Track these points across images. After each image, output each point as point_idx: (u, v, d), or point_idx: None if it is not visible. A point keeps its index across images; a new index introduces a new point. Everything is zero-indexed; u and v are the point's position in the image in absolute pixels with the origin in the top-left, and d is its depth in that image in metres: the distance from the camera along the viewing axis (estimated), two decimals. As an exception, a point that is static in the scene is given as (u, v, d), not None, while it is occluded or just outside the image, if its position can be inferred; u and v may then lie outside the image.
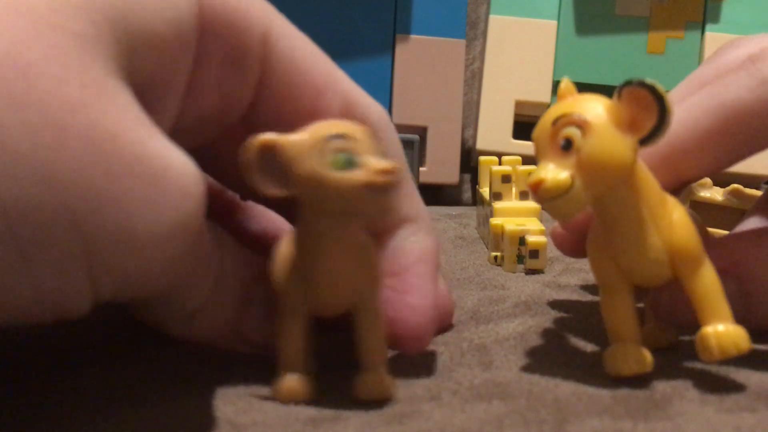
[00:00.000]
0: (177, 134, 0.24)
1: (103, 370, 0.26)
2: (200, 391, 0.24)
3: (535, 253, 0.41)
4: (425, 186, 0.62)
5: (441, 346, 0.29)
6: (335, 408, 0.24)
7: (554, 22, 0.65)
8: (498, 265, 0.43)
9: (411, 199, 0.28)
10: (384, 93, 0.63)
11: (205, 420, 0.23)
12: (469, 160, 0.69)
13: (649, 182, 0.24)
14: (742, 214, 0.35)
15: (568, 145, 0.23)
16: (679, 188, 0.30)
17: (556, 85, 0.66)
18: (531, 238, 0.41)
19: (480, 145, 0.65)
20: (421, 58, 0.63)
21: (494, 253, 0.44)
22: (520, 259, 0.42)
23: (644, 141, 0.23)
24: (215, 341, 0.26)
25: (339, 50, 0.62)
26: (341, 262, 0.23)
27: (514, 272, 0.42)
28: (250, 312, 0.26)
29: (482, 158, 0.50)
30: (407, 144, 0.57)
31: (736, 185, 0.43)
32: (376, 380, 0.24)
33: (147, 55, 0.22)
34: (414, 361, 0.28)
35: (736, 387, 0.25)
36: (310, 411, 0.23)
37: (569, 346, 0.29)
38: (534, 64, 0.65)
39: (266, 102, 0.26)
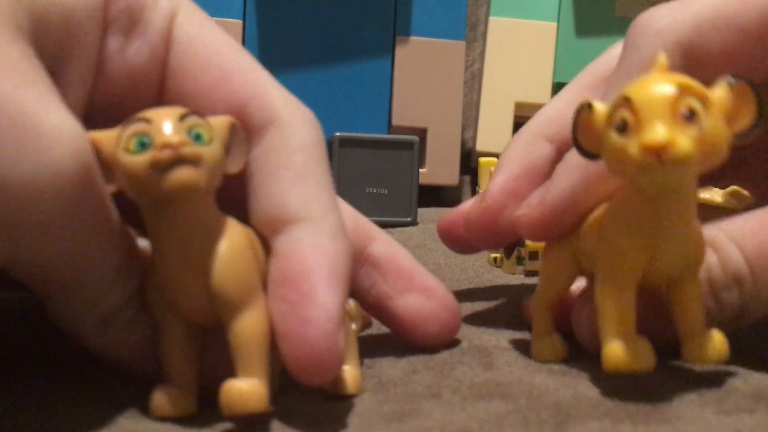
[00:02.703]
0: (94, 118, 0.24)
1: (105, 371, 0.26)
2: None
3: (534, 255, 0.41)
4: (425, 187, 0.62)
5: (442, 345, 0.29)
6: (335, 406, 0.24)
7: (554, 24, 0.65)
8: (497, 267, 0.43)
9: (309, 195, 0.24)
10: (384, 94, 0.63)
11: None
12: (468, 162, 0.69)
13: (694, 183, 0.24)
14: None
15: (691, 116, 0.22)
16: None
17: (555, 86, 0.66)
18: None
19: (480, 146, 0.65)
20: (421, 59, 0.63)
21: (494, 255, 0.44)
22: (519, 260, 0.42)
23: (741, 135, 0.23)
24: (133, 360, 0.24)
25: (339, 52, 0.62)
26: (179, 263, 0.22)
27: (514, 273, 0.42)
28: None
29: (482, 159, 0.50)
30: (407, 145, 0.57)
31: (735, 186, 0.43)
32: (250, 390, 0.21)
33: (54, 21, 0.22)
34: (413, 358, 0.28)
35: (736, 389, 0.25)
36: (309, 410, 0.23)
37: (570, 350, 0.29)
38: (534, 65, 0.65)
39: (172, 84, 0.25)
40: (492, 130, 0.65)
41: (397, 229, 0.54)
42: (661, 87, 0.22)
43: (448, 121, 0.63)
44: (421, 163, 0.63)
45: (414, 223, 0.56)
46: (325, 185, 0.24)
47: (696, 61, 0.27)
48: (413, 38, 0.63)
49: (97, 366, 0.26)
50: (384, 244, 0.29)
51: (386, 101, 0.63)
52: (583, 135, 0.24)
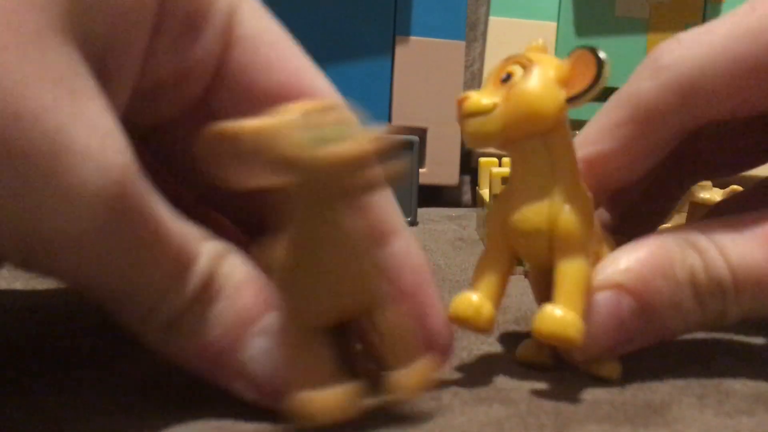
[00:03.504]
0: (132, 104, 0.24)
1: (105, 371, 0.26)
2: (195, 401, 0.24)
3: (534, 255, 0.41)
4: (425, 187, 0.62)
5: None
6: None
7: (554, 24, 0.65)
8: (498, 267, 0.43)
9: (395, 210, 0.26)
10: (384, 94, 0.63)
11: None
12: (469, 162, 0.69)
13: (571, 161, 0.25)
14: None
15: (507, 78, 0.24)
16: (607, 198, 0.30)
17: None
18: (531, 241, 0.41)
19: (480, 146, 0.65)
20: (420, 59, 0.63)
21: (494, 255, 0.44)
22: (519, 260, 0.42)
23: (571, 99, 0.24)
24: (202, 366, 0.23)
25: (339, 52, 0.62)
26: (340, 256, 0.22)
27: (514, 274, 0.42)
28: (252, 339, 0.23)
29: (482, 159, 0.50)
30: (407, 145, 0.57)
31: (735, 186, 0.44)
32: (415, 375, 0.23)
33: (103, 17, 0.22)
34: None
35: (735, 391, 0.25)
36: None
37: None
38: (534, 65, 0.65)
39: (228, 81, 0.25)
40: (492, 130, 0.65)
41: (397, 229, 0.54)
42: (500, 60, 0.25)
43: (448, 121, 0.63)
44: (421, 162, 0.63)
45: (414, 223, 0.56)
46: (392, 195, 0.26)
47: (701, 99, 0.27)
48: (413, 38, 0.63)
49: (97, 369, 0.26)
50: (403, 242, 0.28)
51: (386, 101, 0.63)
52: None
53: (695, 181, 0.34)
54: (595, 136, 0.28)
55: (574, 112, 0.25)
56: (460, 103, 0.24)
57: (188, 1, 0.24)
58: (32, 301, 0.32)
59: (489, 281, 0.26)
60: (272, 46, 0.25)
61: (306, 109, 0.21)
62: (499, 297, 0.26)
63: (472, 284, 0.26)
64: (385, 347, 0.23)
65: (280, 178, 0.21)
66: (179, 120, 0.26)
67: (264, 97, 0.25)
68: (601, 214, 0.31)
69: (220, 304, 0.23)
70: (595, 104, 0.26)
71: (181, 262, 0.22)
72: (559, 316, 0.23)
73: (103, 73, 0.22)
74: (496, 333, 0.32)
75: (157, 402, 0.24)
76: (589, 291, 0.24)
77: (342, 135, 0.21)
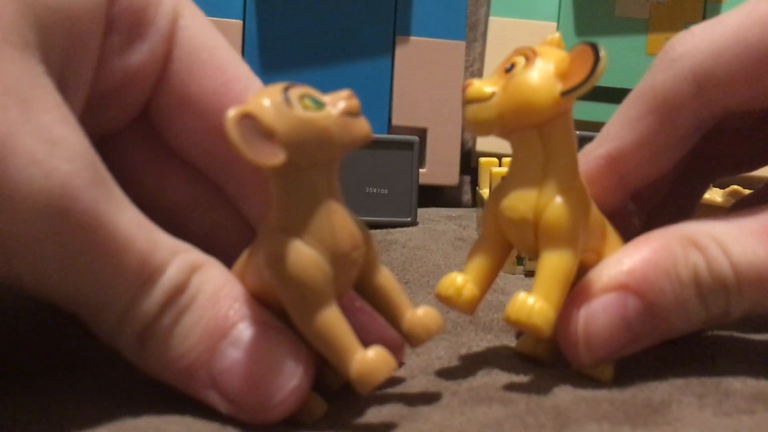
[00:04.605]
0: (83, 114, 0.24)
1: (104, 370, 0.26)
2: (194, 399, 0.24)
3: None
4: (425, 187, 0.62)
5: (441, 350, 0.29)
6: (333, 412, 0.24)
7: (554, 24, 0.65)
8: (497, 267, 0.43)
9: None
10: (384, 94, 0.63)
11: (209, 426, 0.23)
12: (469, 162, 0.69)
13: (568, 156, 0.25)
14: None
15: (510, 69, 0.25)
16: (628, 199, 0.30)
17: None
18: (531, 240, 0.41)
19: (480, 146, 0.65)
20: (421, 59, 0.63)
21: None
22: (519, 260, 0.42)
23: (564, 93, 0.24)
24: (174, 379, 0.23)
25: (339, 52, 0.62)
26: (345, 217, 0.23)
27: (514, 273, 0.42)
28: (225, 350, 0.23)
29: (482, 159, 0.50)
30: (407, 145, 0.57)
31: (735, 186, 0.44)
32: (425, 316, 0.24)
33: (60, 28, 0.22)
34: (411, 362, 0.28)
35: (735, 390, 0.25)
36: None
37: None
38: (534, 65, 0.65)
39: (175, 84, 0.26)
40: (492, 130, 0.65)
41: (397, 229, 0.54)
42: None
43: (448, 121, 0.63)
44: (421, 163, 0.62)
45: (414, 223, 0.56)
46: None
47: (715, 87, 0.27)
48: (413, 38, 0.63)
49: (97, 368, 0.26)
50: None
51: (386, 101, 0.63)
52: None
53: (719, 178, 0.34)
54: (614, 132, 0.28)
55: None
56: (464, 88, 0.25)
57: (135, 7, 0.25)
58: (32, 301, 0.32)
59: (478, 265, 0.26)
60: (211, 51, 0.26)
61: (281, 85, 0.22)
62: (486, 281, 0.26)
63: (463, 267, 0.26)
64: (388, 301, 0.24)
65: (291, 148, 0.21)
66: (121, 134, 0.27)
67: (200, 105, 0.25)
68: (628, 214, 0.31)
69: (191, 315, 0.23)
70: (590, 104, 0.26)
71: (145, 271, 0.22)
72: (528, 305, 0.24)
73: (63, 84, 0.23)
74: (495, 329, 0.32)
75: (157, 400, 0.24)
76: (569, 284, 0.25)
77: (322, 98, 0.23)
